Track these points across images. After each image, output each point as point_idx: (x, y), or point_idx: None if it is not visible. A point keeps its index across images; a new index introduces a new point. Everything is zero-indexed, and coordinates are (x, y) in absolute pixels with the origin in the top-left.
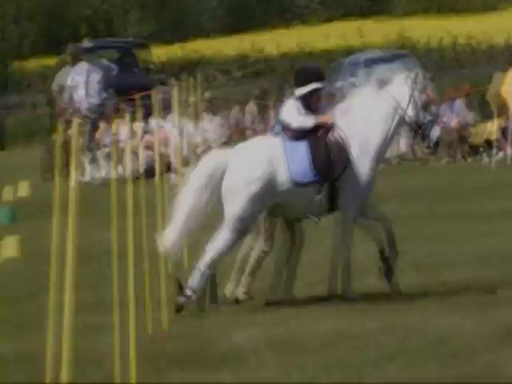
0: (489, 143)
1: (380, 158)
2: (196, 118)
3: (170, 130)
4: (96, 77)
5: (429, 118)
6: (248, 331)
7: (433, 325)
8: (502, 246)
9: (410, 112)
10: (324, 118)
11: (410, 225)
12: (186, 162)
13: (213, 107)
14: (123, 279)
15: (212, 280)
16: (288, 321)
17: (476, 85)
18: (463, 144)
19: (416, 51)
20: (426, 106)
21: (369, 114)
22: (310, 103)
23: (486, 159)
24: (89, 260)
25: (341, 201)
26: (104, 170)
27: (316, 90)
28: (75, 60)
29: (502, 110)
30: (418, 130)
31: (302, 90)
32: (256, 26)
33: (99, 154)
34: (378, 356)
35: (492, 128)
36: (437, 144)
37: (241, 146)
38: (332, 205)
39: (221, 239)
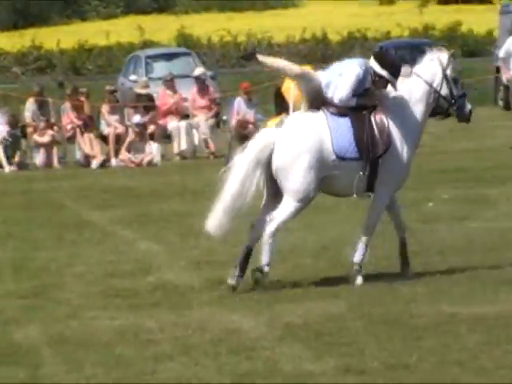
0: None
1: (418, 141)
2: None
3: None
4: None
5: (460, 92)
6: (28, 328)
7: (212, 323)
8: (292, 240)
9: (444, 89)
10: (367, 100)
11: (202, 220)
12: None
13: None
14: None
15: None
16: (69, 318)
17: (270, 80)
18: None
19: (198, 49)
20: (455, 82)
21: (406, 100)
22: (375, 82)
23: None
24: None
25: (377, 183)
26: None
27: (385, 79)
28: None
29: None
30: (453, 104)
31: (377, 68)
32: (37, 23)
33: None
34: (157, 354)
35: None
36: (470, 114)
37: (285, 121)
38: (371, 185)
39: (285, 211)
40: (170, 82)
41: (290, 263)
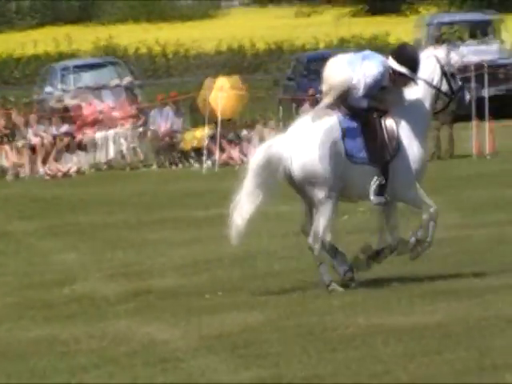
0: (198, 150)
1: (426, 135)
2: None
3: None
4: None
5: (458, 84)
6: None
7: (127, 335)
8: (207, 252)
9: (444, 86)
10: (379, 103)
11: (118, 232)
12: None
13: None
14: None
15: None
16: None
17: (186, 91)
18: (173, 150)
19: (126, 58)
20: (453, 76)
21: (409, 100)
22: (395, 80)
23: (196, 165)
24: None
25: (397, 188)
26: None
27: (405, 75)
28: None
29: (211, 116)
30: (453, 98)
31: (395, 65)
32: None
33: None
34: (72, 366)
35: (201, 134)
36: (470, 104)
37: (296, 126)
38: (383, 189)
39: (322, 215)
40: (89, 93)
41: (205, 275)
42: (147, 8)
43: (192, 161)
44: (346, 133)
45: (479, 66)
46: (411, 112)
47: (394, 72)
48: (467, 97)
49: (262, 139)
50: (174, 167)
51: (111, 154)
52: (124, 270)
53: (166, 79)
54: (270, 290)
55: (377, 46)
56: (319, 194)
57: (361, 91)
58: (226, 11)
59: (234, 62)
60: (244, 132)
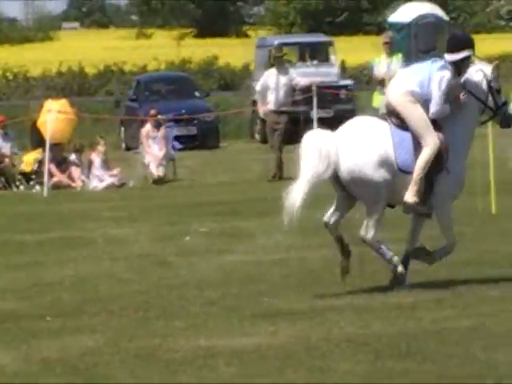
0: (27, 174)
1: (469, 150)
2: None
3: None
4: None
5: (502, 99)
6: None
7: None
8: (47, 275)
9: (490, 100)
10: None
11: None
12: None
13: None
14: None
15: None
16: None
17: (13, 116)
18: (0, 175)
19: None
20: (498, 92)
21: (457, 113)
22: (461, 69)
23: (25, 190)
24: None
25: (436, 199)
26: None
27: (467, 57)
28: None
29: (40, 140)
30: (498, 113)
31: (454, 56)
32: None
33: None
34: None
35: (31, 158)
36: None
37: (348, 127)
38: (425, 198)
39: (371, 217)
40: None
41: (47, 298)
42: None
43: (21, 185)
44: (396, 142)
45: (308, 88)
46: (459, 125)
47: (456, 63)
48: (509, 112)
49: (90, 163)
50: (1, 192)
51: None
52: None
53: (6, 101)
54: (111, 312)
55: (218, 67)
56: (365, 198)
57: (438, 104)
58: (55, 35)
59: (75, 83)
60: (73, 156)
